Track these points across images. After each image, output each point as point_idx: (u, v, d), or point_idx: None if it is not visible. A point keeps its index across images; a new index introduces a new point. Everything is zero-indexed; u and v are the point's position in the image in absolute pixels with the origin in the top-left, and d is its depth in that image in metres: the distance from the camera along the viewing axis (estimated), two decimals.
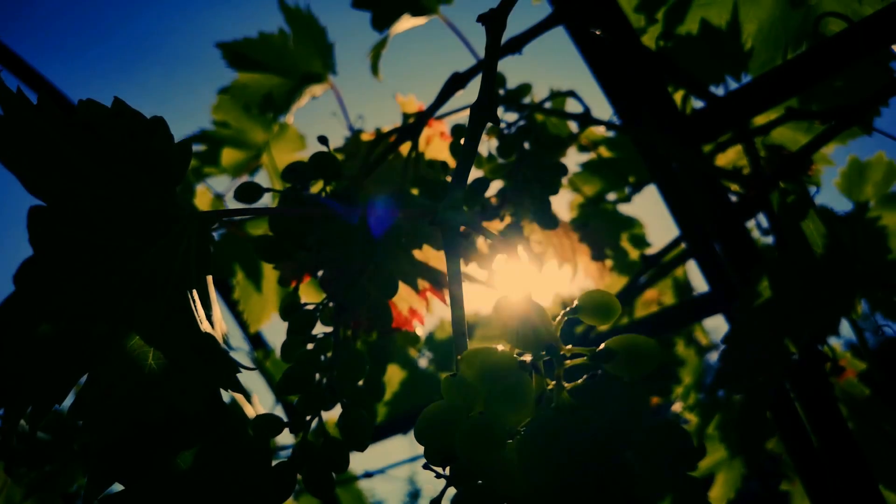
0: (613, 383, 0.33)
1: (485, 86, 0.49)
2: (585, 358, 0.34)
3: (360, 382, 0.67)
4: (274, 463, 0.52)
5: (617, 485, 0.34)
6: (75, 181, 0.45)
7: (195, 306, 0.49)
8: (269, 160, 1.29)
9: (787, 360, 0.72)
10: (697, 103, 0.91)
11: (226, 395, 0.51)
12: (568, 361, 0.34)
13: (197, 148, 1.24)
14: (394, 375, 1.44)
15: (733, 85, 0.87)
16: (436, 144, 0.95)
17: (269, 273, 1.27)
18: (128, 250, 0.46)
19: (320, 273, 0.69)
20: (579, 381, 0.33)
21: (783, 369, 0.74)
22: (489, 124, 0.87)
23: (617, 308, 0.35)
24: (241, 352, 1.40)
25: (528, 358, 0.34)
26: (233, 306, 1.31)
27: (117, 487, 0.45)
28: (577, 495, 0.32)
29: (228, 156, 1.25)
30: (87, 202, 0.45)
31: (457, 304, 0.41)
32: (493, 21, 0.51)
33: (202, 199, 1.30)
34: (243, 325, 1.33)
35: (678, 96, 0.90)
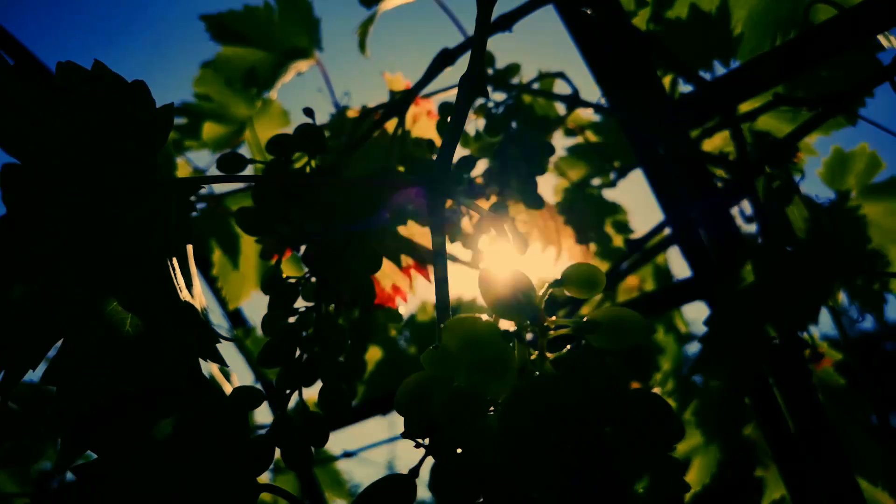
0: (596, 355, 0.32)
1: (474, 59, 0.48)
2: (569, 329, 0.34)
3: (342, 359, 0.66)
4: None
5: (596, 457, 0.34)
6: (53, 143, 0.44)
7: (175, 275, 0.49)
8: (252, 136, 1.27)
9: (767, 345, 0.72)
10: (686, 88, 0.91)
11: (204, 371, 0.50)
12: (552, 332, 0.34)
13: (178, 121, 1.22)
14: (373, 355, 1.43)
15: (721, 70, 0.87)
16: (423, 123, 0.94)
17: (249, 249, 1.25)
18: (106, 215, 0.45)
19: (303, 248, 0.69)
20: (562, 351, 0.33)
21: (763, 354, 0.75)
22: (478, 103, 0.87)
23: (602, 280, 0.35)
24: (220, 329, 1.38)
25: (511, 328, 0.33)
26: (211, 283, 1.30)
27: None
28: (556, 466, 0.32)
29: (210, 129, 1.23)
30: (65, 165, 0.44)
31: (441, 278, 0.41)
32: None
33: (182, 172, 1.28)
34: (222, 303, 1.32)
35: (667, 80, 0.90)
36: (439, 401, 0.33)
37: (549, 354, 0.33)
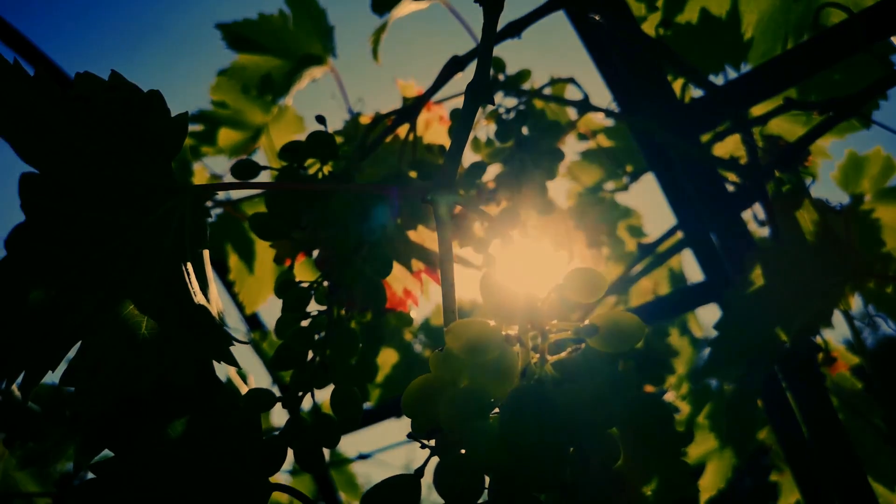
0: (597, 357, 0.33)
1: (480, 65, 0.49)
2: (570, 332, 0.34)
3: (353, 361, 0.67)
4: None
5: (599, 458, 0.34)
6: (70, 152, 0.45)
7: (189, 279, 0.50)
8: (267, 142, 1.29)
9: (778, 348, 0.72)
10: (696, 92, 0.91)
11: (221, 374, 0.51)
12: (553, 336, 0.34)
13: (195, 127, 1.24)
14: (388, 358, 1.44)
15: (732, 74, 0.87)
16: (435, 129, 0.95)
17: (265, 254, 1.27)
18: (121, 221, 0.46)
19: (315, 252, 0.70)
20: (563, 353, 0.34)
21: (774, 357, 0.75)
22: (489, 108, 0.88)
23: (603, 285, 0.35)
24: (237, 332, 1.40)
25: (514, 331, 0.34)
26: (229, 287, 1.32)
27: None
28: (558, 468, 0.32)
29: (226, 136, 1.25)
30: (82, 173, 0.45)
31: (447, 279, 0.42)
32: (490, 0, 0.51)
33: (199, 178, 1.31)
34: (240, 307, 1.34)
35: (677, 85, 0.90)
36: (443, 402, 0.34)
37: (549, 357, 0.34)
